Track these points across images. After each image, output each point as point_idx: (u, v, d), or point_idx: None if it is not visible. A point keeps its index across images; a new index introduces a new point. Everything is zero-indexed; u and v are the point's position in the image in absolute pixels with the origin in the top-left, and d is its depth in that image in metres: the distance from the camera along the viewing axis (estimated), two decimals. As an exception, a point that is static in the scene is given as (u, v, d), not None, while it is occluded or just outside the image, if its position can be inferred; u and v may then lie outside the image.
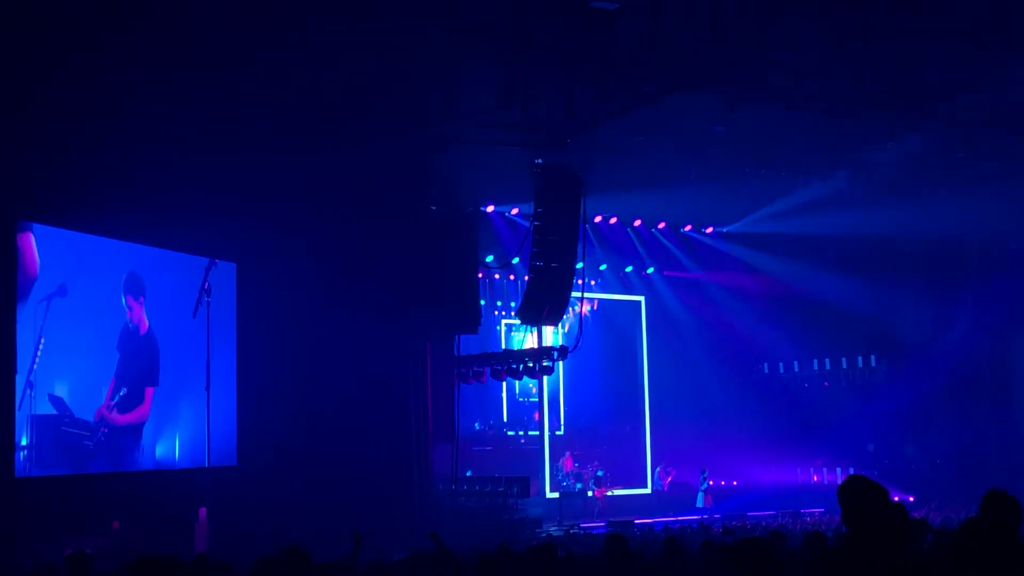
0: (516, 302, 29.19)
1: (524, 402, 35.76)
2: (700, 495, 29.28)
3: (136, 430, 20.48)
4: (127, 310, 20.33)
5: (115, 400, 20.08)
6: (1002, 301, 28.66)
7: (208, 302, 20.65)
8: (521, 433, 33.88)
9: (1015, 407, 28.75)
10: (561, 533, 22.74)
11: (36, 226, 18.36)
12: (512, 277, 32.99)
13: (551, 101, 20.98)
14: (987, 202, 26.34)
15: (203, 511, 19.92)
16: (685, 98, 21.26)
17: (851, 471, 31.59)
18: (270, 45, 18.38)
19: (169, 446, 20.90)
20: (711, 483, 30.22)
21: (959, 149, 24.08)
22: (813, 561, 8.88)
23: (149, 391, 20.74)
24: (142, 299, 20.57)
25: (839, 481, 24.68)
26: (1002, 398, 29.08)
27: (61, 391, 18.99)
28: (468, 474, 27.68)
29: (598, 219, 30.01)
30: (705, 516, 26.65)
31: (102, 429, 19.75)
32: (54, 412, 18.84)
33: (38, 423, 18.56)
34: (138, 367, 20.52)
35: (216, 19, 17.38)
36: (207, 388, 20.51)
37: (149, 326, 20.71)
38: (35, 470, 18.33)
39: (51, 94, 17.39)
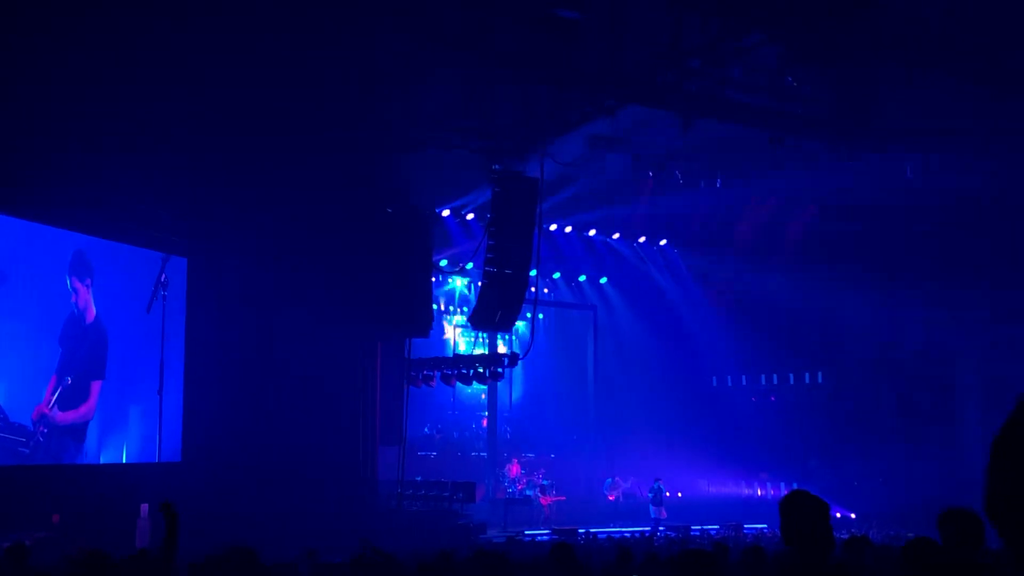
0: (469, 307, 29.19)
1: (472, 408, 35.78)
2: (651, 507, 29.29)
3: (79, 431, 19.60)
4: (72, 293, 19.46)
5: (56, 395, 18.98)
6: (953, 314, 28.83)
7: (164, 296, 20.26)
8: (472, 451, 33.96)
9: (959, 426, 29.03)
10: (504, 539, 22.74)
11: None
12: (467, 281, 33.01)
13: (511, 109, 21.05)
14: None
15: (145, 507, 19.73)
16: (643, 111, 21.38)
17: (794, 486, 31.85)
18: (229, 44, 18.27)
19: (115, 453, 20.40)
20: (667, 494, 30.24)
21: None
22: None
23: (95, 385, 19.88)
24: (89, 282, 19.70)
25: (782, 496, 24.72)
26: (947, 417, 29.33)
27: None
28: (418, 478, 27.63)
29: (553, 227, 30.09)
30: (648, 529, 26.72)
31: (41, 429, 18.71)
32: None
33: (-35, 430, 17.29)
34: (83, 358, 19.62)
35: (175, 13, 17.26)
36: (160, 391, 20.02)
37: (96, 314, 19.90)
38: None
39: None
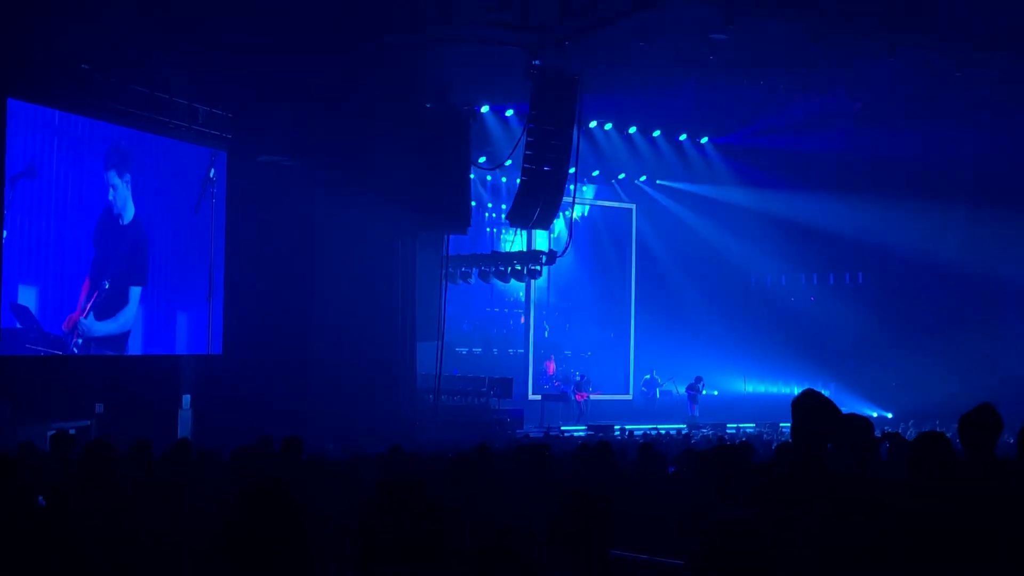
0: (507, 204, 29.10)
1: (510, 305, 35.89)
2: (689, 404, 29.55)
3: (119, 343, 18.98)
4: (110, 189, 18.63)
5: (91, 302, 17.94)
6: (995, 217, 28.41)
7: (213, 194, 19.78)
8: (510, 348, 34.16)
9: (1003, 326, 28.74)
10: (541, 434, 22.95)
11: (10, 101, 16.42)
12: (505, 179, 32.87)
13: (550, 3, 20.71)
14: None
15: (187, 397, 20.04)
16: (685, 5, 20.99)
17: (832, 386, 31.88)
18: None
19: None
20: (704, 392, 30.36)
21: (958, 68, 23.80)
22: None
23: (134, 291, 19.21)
24: (128, 178, 18.94)
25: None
26: (991, 316, 29.03)
27: (27, 298, 16.81)
28: (455, 373, 27.87)
29: (593, 124, 29.77)
30: (684, 427, 26.84)
31: (75, 340, 17.84)
32: (17, 326, 16.71)
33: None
34: (120, 261, 18.85)
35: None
36: (209, 298, 19.55)
37: (136, 214, 19.25)
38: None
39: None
